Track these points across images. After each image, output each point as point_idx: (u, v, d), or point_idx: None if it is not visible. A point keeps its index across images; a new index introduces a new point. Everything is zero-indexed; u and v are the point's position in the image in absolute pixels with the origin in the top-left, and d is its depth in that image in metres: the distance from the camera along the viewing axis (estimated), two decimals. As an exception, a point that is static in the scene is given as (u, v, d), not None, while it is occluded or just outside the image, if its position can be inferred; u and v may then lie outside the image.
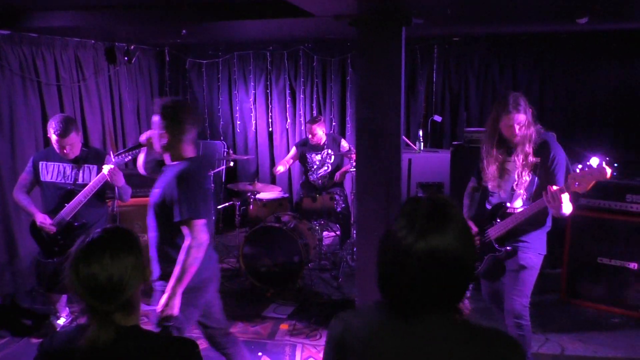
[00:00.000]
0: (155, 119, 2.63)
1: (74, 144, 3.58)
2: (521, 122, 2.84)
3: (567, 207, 2.68)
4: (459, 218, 1.21)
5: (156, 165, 2.93)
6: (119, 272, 1.34)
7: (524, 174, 2.87)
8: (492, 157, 2.98)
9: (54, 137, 3.51)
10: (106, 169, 3.47)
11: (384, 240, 1.25)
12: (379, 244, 1.27)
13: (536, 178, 2.89)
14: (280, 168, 5.52)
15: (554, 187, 2.66)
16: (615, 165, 4.49)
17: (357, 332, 1.28)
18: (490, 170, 3.00)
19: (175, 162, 2.64)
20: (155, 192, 2.63)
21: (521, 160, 2.87)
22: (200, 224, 2.49)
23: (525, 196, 2.93)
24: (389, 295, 1.25)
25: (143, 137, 2.91)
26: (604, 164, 2.53)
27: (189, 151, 2.67)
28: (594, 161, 2.56)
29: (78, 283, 1.34)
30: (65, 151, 3.56)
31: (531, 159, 2.86)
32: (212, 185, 5.53)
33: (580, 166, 2.60)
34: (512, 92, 2.92)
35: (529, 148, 2.85)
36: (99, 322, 1.34)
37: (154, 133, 2.65)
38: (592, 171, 2.55)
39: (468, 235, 1.21)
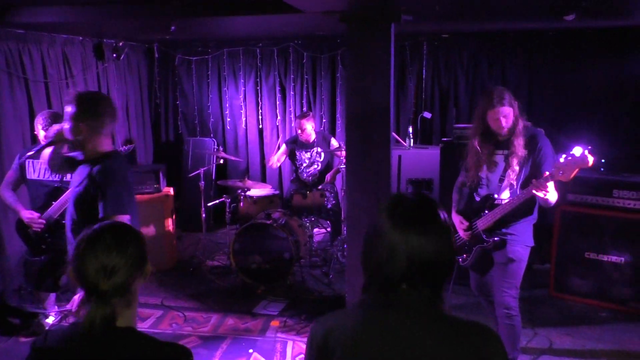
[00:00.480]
0: (69, 110, 2.49)
1: None
2: (507, 114, 2.91)
3: (552, 196, 2.76)
4: (440, 219, 1.27)
5: (64, 163, 2.78)
6: (122, 257, 1.39)
7: (513, 164, 2.92)
8: (478, 150, 3.04)
9: (41, 133, 3.47)
10: None
11: (369, 238, 1.30)
12: (364, 242, 1.32)
13: (524, 169, 2.95)
14: (274, 159, 5.60)
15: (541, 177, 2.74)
16: (603, 161, 4.57)
17: (339, 334, 1.28)
18: (472, 161, 3.07)
19: (93, 157, 2.53)
20: (77, 189, 2.52)
21: (515, 153, 2.92)
22: (125, 219, 2.42)
23: (513, 187, 2.99)
24: (376, 287, 1.28)
25: (51, 132, 2.74)
26: (586, 152, 2.61)
27: (106, 145, 2.57)
28: (577, 150, 2.64)
29: (82, 264, 1.38)
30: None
31: (522, 151, 2.91)
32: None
33: (564, 156, 2.67)
34: (497, 87, 3.00)
35: (521, 140, 2.91)
36: (95, 302, 1.36)
37: (66, 126, 2.51)
38: (575, 160, 2.63)
39: (448, 235, 1.28)
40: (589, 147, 2.62)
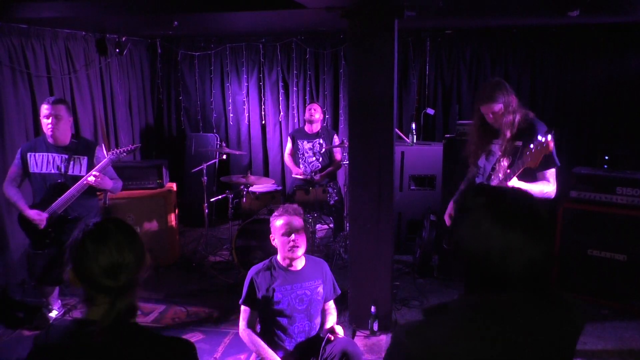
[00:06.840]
0: None
1: (62, 117, 3.58)
2: (495, 111, 2.96)
3: (547, 187, 2.81)
4: (545, 213, 1.17)
5: None
6: (132, 253, 1.40)
7: (503, 159, 2.96)
8: (476, 140, 3.11)
9: (44, 108, 3.54)
10: (91, 178, 3.52)
11: (474, 236, 1.16)
12: (464, 239, 1.19)
13: (518, 161, 2.90)
14: (287, 155, 5.77)
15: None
16: (606, 158, 4.52)
17: (452, 349, 1.10)
18: (469, 149, 3.16)
19: None
20: None
21: (502, 147, 2.97)
22: None
23: (507, 177, 2.95)
24: (486, 289, 1.18)
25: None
26: (549, 137, 2.63)
27: None
28: (541, 137, 2.67)
29: (92, 262, 1.36)
30: (50, 125, 3.54)
31: (516, 143, 2.92)
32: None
33: (532, 145, 2.68)
34: (491, 80, 3.04)
35: (509, 134, 2.95)
36: (111, 300, 1.36)
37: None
38: (540, 145, 2.65)
39: (552, 232, 1.22)
40: (552, 131, 2.70)
